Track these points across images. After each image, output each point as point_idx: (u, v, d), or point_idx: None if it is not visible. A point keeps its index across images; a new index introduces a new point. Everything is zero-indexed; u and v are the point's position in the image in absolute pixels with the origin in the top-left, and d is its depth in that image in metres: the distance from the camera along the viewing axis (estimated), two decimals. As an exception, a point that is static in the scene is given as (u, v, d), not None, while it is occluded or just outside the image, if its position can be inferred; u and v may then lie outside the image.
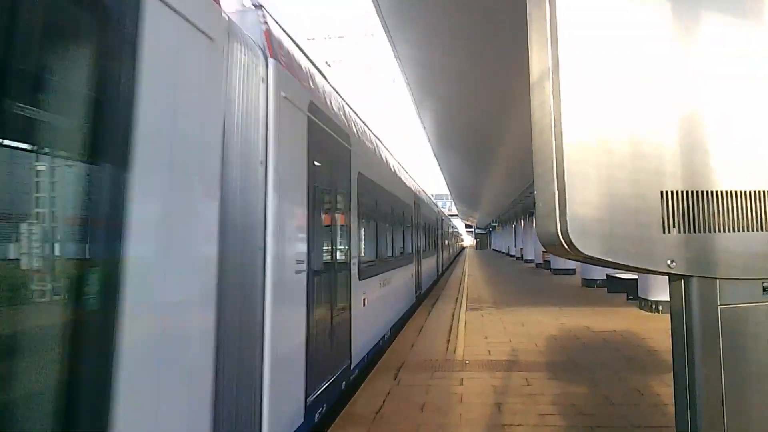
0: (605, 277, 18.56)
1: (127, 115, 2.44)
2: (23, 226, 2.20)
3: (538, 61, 1.67)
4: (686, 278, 1.66)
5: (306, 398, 4.75)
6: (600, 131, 1.59)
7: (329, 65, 20.93)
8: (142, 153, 2.50)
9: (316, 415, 5.13)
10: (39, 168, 2.27)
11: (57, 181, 2.29)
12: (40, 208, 2.26)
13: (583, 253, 1.58)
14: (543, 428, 5.22)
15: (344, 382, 6.39)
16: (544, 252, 32.04)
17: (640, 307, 13.72)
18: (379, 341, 9.21)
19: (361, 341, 7.55)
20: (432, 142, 22.74)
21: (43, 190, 2.26)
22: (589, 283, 20.56)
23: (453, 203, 74.43)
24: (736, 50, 1.68)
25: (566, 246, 1.59)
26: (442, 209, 40.75)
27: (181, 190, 2.92)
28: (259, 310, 3.98)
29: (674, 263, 1.61)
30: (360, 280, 7.67)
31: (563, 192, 1.56)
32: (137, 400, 2.44)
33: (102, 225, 2.34)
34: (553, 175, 1.61)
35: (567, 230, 1.56)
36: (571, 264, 27.28)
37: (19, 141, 2.15)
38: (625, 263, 1.61)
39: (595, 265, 1.76)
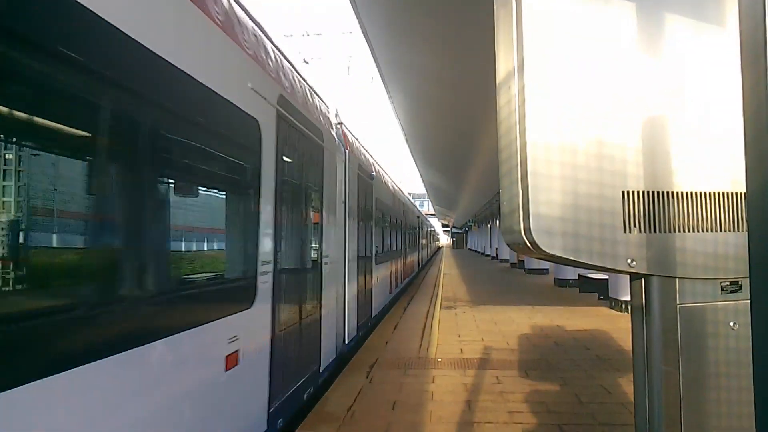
0: (577, 277, 18.81)
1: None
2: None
3: (504, 61, 1.68)
4: (646, 277, 1.69)
5: None
6: (564, 132, 1.61)
7: (307, 62, 20.82)
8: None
9: None
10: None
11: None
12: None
13: (546, 252, 1.59)
14: (512, 426, 5.27)
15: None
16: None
17: (611, 307, 13.95)
18: None
19: None
20: (409, 141, 22.82)
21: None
22: (561, 282, 20.82)
23: (430, 203, 74.80)
24: (698, 55, 1.71)
25: (529, 245, 1.61)
26: (419, 207, 41.00)
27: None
28: None
29: (634, 262, 1.64)
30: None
31: (527, 191, 1.58)
32: None
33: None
34: (517, 174, 1.62)
35: (530, 229, 1.57)
36: (545, 264, 27.59)
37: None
38: (588, 262, 1.63)
39: (557, 263, 1.78)
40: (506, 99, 1.67)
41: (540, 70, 1.59)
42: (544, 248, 1.57)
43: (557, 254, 1.59)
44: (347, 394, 6.36)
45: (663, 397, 1.68)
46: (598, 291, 15.92)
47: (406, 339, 9.90)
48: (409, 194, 33.33)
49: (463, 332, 10.60)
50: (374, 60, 11.72)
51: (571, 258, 1.60)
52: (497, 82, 1.72)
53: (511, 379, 7.05)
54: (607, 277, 15.03)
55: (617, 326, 11.08)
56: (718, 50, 1.70)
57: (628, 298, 9.25)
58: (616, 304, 13.71)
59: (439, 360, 8.19)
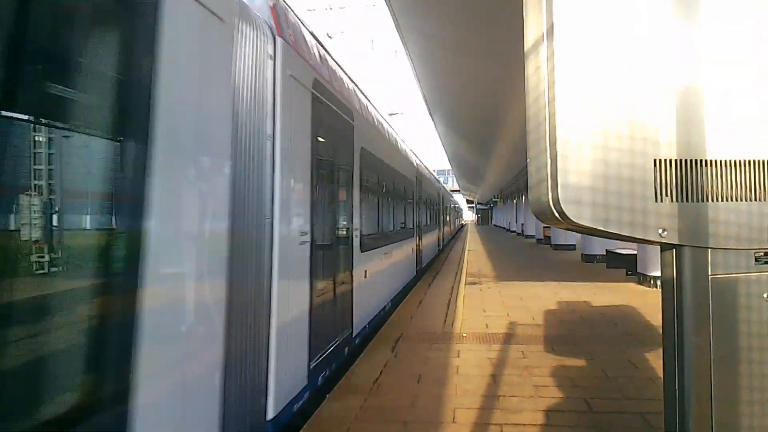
0: (605, 253, 18.60)
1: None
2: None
3: (532, 26, 1.64)
4: (678, 248, 1.65)
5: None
6: (594, 98, 1.57)
7: (330, 37, 20.66)
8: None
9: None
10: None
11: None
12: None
13: (575, 222, 1.56)
14: (538, 400, 5.28)
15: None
16: (545, 228, 32.07)
17: (639, 282, 13.78)
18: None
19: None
20: (433, 115, 22.63)
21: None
22: (588, 258, 20.61)
23: (454, 179, 74.35)
24: (736, 18, 1.64)
25: (558, 215, 1.58)
26: (444, 184, 40.64)
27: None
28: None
29: (666, 232, 1.60)
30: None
31: (555, 160, 1.54)
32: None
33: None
34: (545, 143, 1.59)
35: (558, 199, 1.54)
36: (571, 239, 27.34)
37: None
38: (617, 232, 1.60)
39: (586, 234, 1.75)
40: (535, 66, 1.63)
41: (570, 34, 1.55)
42: (572, 218, 1.55)
43: (586, 224, 1.56)
44: (373, 367, 6.43)
45: (693, 370, 1.65)
46: (626, 266, 15.71)
47: (431, 314, 9.94)
48: (434, 171, 32.91)
49: (489, 307, 10.60)
50: (398, 32, 11.57)
51: (600, 228, 1.57)
52: (525, 48, 1.67)
53: (537, 353, 7.05)
54: (635, 252, 14.83)
55: (645, 302, 10.95)
56: (756, 13, 1.63)
57: (656, 273, 9.19)
58: (644, 280, 13.54)
59: (464, 335, 8.22)
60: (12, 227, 2.37)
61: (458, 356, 6.95)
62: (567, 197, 1.55)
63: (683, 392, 1.68)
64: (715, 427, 1.64)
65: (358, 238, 7.68)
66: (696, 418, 1.65)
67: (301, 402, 4.97)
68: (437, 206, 26.07)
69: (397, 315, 9.92)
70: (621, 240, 1.68)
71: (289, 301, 4.65)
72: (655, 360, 6.52)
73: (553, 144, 1.56)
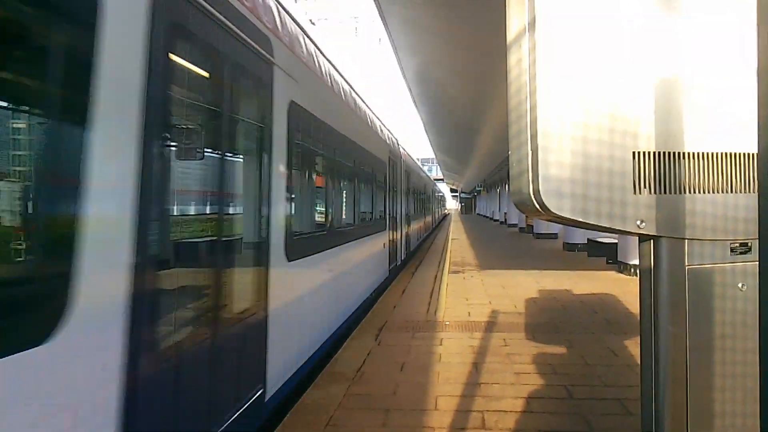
0: (586, 241, 18.80)
1: None
2: None
3: (515, 18, 1.65)
4: (655, 239, 1.68)
5: None
6: (575, 91, 1.58)
7: (313, 24, 20.52)
8: None
9: None
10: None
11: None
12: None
13: (555, 214, 1.59)
14: (519, 387, 5.35)
15: None
16: (527, 216, 32.27)
17: (620, 271, 13.97)
18: None
19: None
20: (417, 103, 22.59)
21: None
22: (570, 247, 20.83)
23: (438, 167, 74.46)
24: (713, 13, 1.66)
25: (538, 206, 1.60)
26: (428, 173, 40.63)
27: None
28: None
29: (644, 224, 1.63)
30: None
31: (536, 152, 1.56)
32: None
33: None
34: (527, 134, 1.60)
35: (539, 190, 1.56)
36: (553, 228, 27.58)
37: None
38: (596, 224, 1.62)
39: (566, 225, 1.78)
40: (516, 58, 1.64)
41: (552, 27, 1.56)
42: (553, 210, 1.57)
43: (566, 216, 1.59)
44: (357, 355, 6.46)
45: (669, 359, 1.69)
46: (606, 255, 15.93)
47: (414, 303, 9.99)
48: (418, 159, 32.90)
49: (471, 296, 10.68)
50: (382, 19, 11.51)
51: (580, 219, 1.59)
52: (508, 40, 1.68)
53: (519, 341, 7.13)
54: (615, 241, 15.02)
55: (625, 290, 11.11)
56: (733, 8, 1.65)
57: (636, 261, 9.23)
58: (624, 268, 13.74)
59: (447, 323, 8.28)
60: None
61: (441, 344, 7.00)
62: (547, 189, 1.57)
63: (659, 379, 1.71)
64: (690, 413, 1.68)
65: (282, 240, 5.14)
66: (671, 405, 1.69)
67: None
68: (420, 194, 24.43)
69: (381, 304, 9.95)
70: (600, 231, 1.70)
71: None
72: (634, 347, 6.63)
73: (534, 136, 1.57)
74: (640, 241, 1.73)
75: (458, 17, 10.77)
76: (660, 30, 1.62)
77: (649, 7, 1.62)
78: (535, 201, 1.59)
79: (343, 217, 9.24)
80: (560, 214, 1.58)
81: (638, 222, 1.63)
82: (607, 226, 1.62)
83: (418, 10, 10.85)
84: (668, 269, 1.68)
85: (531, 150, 1.58)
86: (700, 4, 1.65)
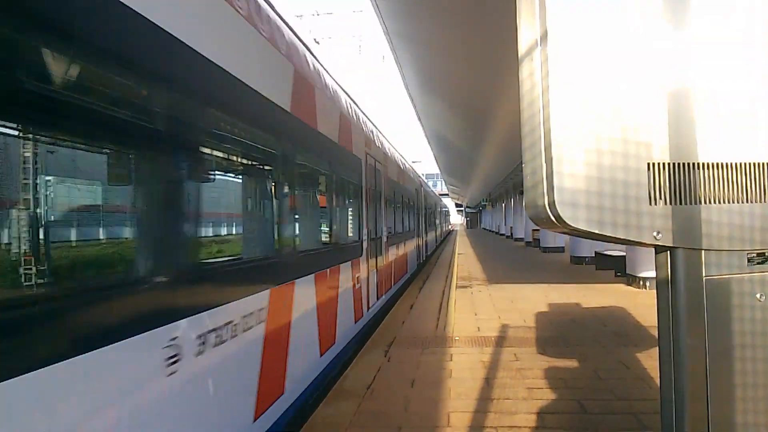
0: (593, 254, 18.71)
1: None
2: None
3: (526, 31, 1.65)
4: (672, 250, 1.67)
5: None
6: (588, 102, 1.58)
7: (317, 42, 20.71)
8: None
9: None
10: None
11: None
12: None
13: (570, 225, 1.58)
14: (531, 402, 5.30)
15: None
16: (534, 230, 32.21)
17: (628, 284, 13.87)
18: None
19: None
20: (422, 119, 22.69)
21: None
22: (577, 260, 20.73)
23: (443, 182, 74.58)
24: (728, 23, 1.67)
25: (553, 218, 1.59)
26: (433, 188, 40.56)
27: None
28: None
29: (660, 235, 1.62)
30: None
31: (550, 163, 1.56)
32: None
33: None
34: (540, 146, 1.60)
35: (554, 202, 1.56)
36: (560, 241, 27.49)
37: None
38: (612, 235, 1.61)
39: (581, 237, 1.76)
40: (528, 71, 1.65)
41: (563, 39, 1.56)
42: (568, 221, 1.56)
43: (581, 227, 1.58)
44: (366, 371, 6.42)
45: (689, 370, 1.67)
46: (615, 268, 15.82)
47: (422, 318, 9.95)
48: (423, 174, 32.91)
49: (480, 311, 10.62)
50: (386, 36, 11.61)
51: (596, 231, 1.58)
52: (519, 53, 1.68)
53: (529, 355, 7.08)
54: (623, 253, 14.94)
55: (634, 302, 11.04)
56: (748, 18, 1.66)
57: (645, 274, 9.27)
58: (633, 281, 13.64)
59: (457, 338, 8.23)
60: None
61: (451, 360, 6.96)
62: (562, 200, 1.56)
63: (679, 392, 1.69)
64: (711, 426, 1.66)
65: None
66: (692, 418, 1.67)
67: None
68: (414, 207, 19.68)
69: (390, 319, 9.91)
70: (616, 243, 1.69)
71: None
72: (646, 360, 6.57)
73: (548, 148, 1.57)
74: (656, 253, 1.72)
75: (461, 32, 10.85)
76: (672, 40, 1.63)
77: (661, 18, 1.63)
78: (550, 212, 1.58)
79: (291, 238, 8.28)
80: (576, 225, 1.57)
81: (654, 233, 1.62)
82: (624, 237, 1.61)
83: (421, 26, 10.94)
84: (686, 280, 1.67)
85: (545, 162, 1.58)
86: (711, 15, 1.65)
